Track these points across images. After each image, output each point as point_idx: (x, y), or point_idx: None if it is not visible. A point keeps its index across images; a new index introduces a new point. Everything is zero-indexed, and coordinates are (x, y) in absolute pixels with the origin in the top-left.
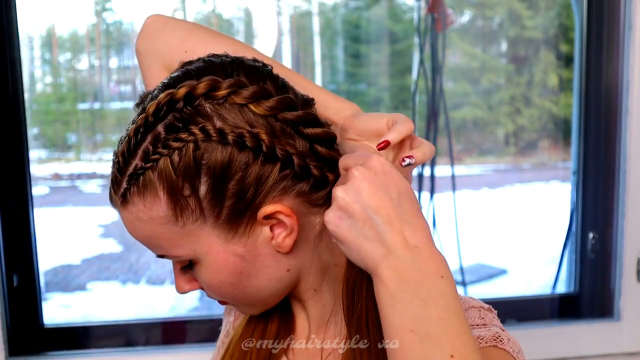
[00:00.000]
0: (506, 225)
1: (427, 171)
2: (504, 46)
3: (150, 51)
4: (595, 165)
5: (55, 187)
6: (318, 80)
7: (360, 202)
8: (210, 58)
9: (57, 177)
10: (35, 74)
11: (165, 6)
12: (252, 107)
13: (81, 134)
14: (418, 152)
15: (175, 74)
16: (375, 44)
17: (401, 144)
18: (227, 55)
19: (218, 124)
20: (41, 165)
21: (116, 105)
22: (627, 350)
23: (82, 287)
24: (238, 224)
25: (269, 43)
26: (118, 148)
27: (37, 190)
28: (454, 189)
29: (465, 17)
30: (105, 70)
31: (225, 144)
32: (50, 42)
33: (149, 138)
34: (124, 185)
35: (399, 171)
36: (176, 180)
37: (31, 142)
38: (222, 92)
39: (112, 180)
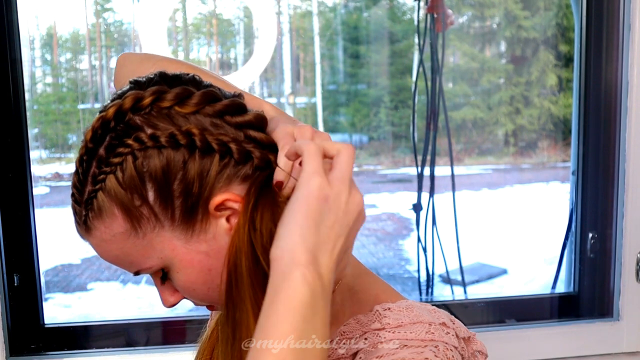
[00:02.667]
0: (506, 225)
1: (427, 171)
2: (503, 46)
3: (119, 85)
4: (595, 165)
5: (55, 187)
6: (318, 80)
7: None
8: (135, 79)
9: (58, 177)
10: (35, 74)
11: (165, 6)
12: (177, 108)
13: (81, 134)
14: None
15: (108, 101)
16: (374, 44)
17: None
18: (151, 73)
19: (149, 131)
20: (42, 165)
21: None
22: (626, 350)
23: (82, 287)
24: (193, 221)
25: (269, 43)
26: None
27: (38, 190)
28: (453, 189)
29: (465, 18)
30: (106, 70)
31: (160, 147)
32: (50, 42)
33: (94, 163)
34: (84, 213)
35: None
36: (125, 194)
37: (32, 142)
38: (147, 101)
39: (73, 213)
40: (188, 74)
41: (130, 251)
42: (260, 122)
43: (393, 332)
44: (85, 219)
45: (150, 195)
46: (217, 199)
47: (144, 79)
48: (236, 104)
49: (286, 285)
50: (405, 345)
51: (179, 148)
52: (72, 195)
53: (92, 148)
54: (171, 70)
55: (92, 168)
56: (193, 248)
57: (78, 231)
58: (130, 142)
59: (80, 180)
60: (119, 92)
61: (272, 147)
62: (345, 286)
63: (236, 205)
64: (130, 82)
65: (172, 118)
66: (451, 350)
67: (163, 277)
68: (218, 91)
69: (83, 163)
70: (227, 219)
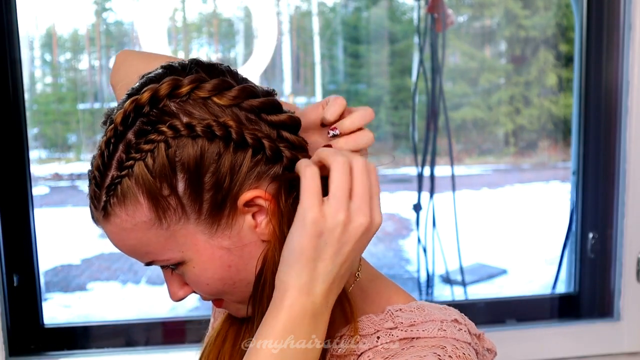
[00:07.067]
0: (506, 225)
1: (427, 171)
2: (502, 46)
3: (119, 82)
4: (595, 165)
5: (55, 187)
6: (318, 80)
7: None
8: (169, 63)
9: (57, 177)
10: (35, 74)
11: (165, 6)
12: (215, 99)
13: (81, 134)
14: (346, 120)
15: (137, 84)
16: (374, 44)
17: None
18: (183, 60)
19: (185, 119)
20: (41, 165)
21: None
22: (627, 350)
23: (82, 287)
24: (220, 216)
25: (269, 43)
26: (92, 164)
27: (37, 190)
28: (453, 189)
29: (464, 18)
30: (105, 70)
31: (195, 137)
32: (50, 42)
33: (121, 147)
34: (104, 199)
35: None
36: (154, 182)
37: (31, 142)
38: (185, 89)
39: (91, 196)
40: (222, 64)
41: (150, 242)
42: (294, 123)
43: (405, 331)
44: (106, 204)
45: (180, 186)
46: (247, 195)
47: (178, 65)
48: (273, 103)
49: (277, 309)
50: (413, 346)
51: (214, 140)
52: (93, 178)
53: (122, 131)
54: None
55: (118, 152)
56: (216, 243)
57: (93, 216)
58: (164, 128)
59: (105, 163)
60: (151, 75)
61: (302, 149)
62: (358, 289)
63: (265, 203)
64: (164, 68)
65: (208, 108)
66: (462, 347)
67: (173, 267)
68: (255, 87)
69: (110, 145)
70: (253, 216)
